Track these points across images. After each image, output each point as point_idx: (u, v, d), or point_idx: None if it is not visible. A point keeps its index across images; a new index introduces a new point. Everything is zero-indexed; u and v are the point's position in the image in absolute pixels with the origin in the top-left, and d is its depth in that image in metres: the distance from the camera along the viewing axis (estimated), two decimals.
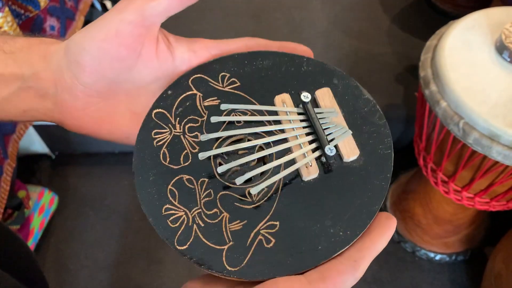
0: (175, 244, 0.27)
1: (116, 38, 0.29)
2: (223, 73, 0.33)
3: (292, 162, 0.29)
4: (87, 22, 0.99)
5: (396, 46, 1.14)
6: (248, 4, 1.26)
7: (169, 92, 0.32)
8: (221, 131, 0.31)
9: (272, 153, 0.30)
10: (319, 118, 0.31)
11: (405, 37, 1.16)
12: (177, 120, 0.31)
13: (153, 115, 0.31)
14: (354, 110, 0.32)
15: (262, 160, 0.31)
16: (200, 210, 0.28)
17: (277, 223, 0.27)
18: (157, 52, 0.31)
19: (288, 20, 1.22)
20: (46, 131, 1.06)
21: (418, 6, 1.23)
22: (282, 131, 0.31)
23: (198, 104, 0.32)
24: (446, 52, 0.65)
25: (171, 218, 0.28)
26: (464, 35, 0.67)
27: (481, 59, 0.64)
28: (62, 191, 1.08)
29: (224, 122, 0.31)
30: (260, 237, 0.27)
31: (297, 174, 0.29)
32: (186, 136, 0.31)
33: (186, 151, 0.30)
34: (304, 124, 0.31)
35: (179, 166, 0.30)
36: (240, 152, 0.31)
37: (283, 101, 0.32)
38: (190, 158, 0.30)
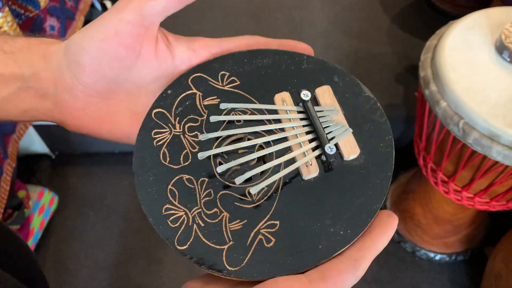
0: (175, 244, 0.27)
1: (115, 38, 0.29)
2: (222, 72, 0.33)
3: (292, 161, 0.29)
4: (87, 22, 0.98)
5: (396, 46, 1.14)
6: (248, 4, 1.26)
7: (169, 91, 0.32)
8: (221, 130, 0.31)
9: (272, 152, 0.30)
10: (319, 117, 0.30)
11: (405, 37, 1.16)
12: (177, 120, 0.31)
13: (153, 115, 0.31)
14: (355, 108, 0.31)
15: (262, 159, 0.31)
16: (200, 209, 0.28)
17: (277, 222, 0.27)
18: (156, 51, 0.31)
19: (288, 20, 1.22)
20: (46, 131, 1.06)
21: (418, 6, 1.23)
22: (282, 130, 0.31)
23: (198, 103, 0.32)
24: (446, 52, 0.65)
25: (171, 218, 0.28)
26: (464, 35, 0.67)
27: (481, 59, 0.64)
28: (62, 191, 1.08)
29: (224, 121, 0.31)
30: (260, 236, 0.27)
31: (297, 173, 0.29)
32: (186, 135, 0.31)
33: (186, 150, 0.30)
34: (304, 122, 0.31)
35: (179, 166, 0.29)
36: (240, 151, 0.31)
37: (283, 100, 0.32)
38: (190, 157, 0.30)
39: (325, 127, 0.30)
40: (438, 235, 0.95)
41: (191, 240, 0.27)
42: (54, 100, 0.32)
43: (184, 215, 0.28)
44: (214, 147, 0.30)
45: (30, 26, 0.81)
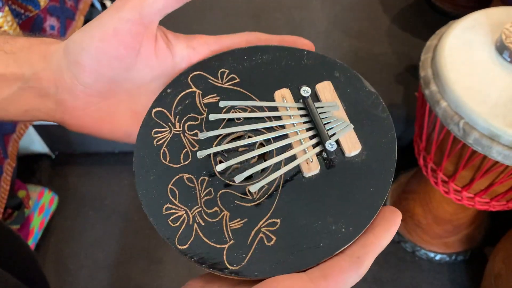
0: (176, 243, 0.27)
1: (114, 37, 0.29)
2: (222, 70, 0.32)
3: (293, 158, 0.29)
4: (87, 21, 0.98)
5: (396, 46, 1.14)
6: (248, 4, 1.26)
7: (169, 90, 0.32)
8: (221, 128, 0.30)
9: (273, 150, 0.30)
10: (320, 113, 0.30)
11: (405, 37, 1.16)
12: (177, 119, 0.31)
13: (152, 114, 0.31)
14: (356, 103, 0.31)
15: (263, 157, 0.31)
16: (200, 209, 0.28)
17: (278, 220, 0.27)
18: (156, 50, 0.31)
19: (288, 20, 1.22)
20: (46, 131, 1.06)
21: (418, 6, 1.23)
22: (283, 127, 0.30)
23: (197, 101, 0.32)
24: (446, 52, 0.65)
25: (172, 217, 0.28)
26: (464, 35, 0.67)
27: (481, 59, 0.64)
28: (62, 191, 1.08)
29: (224, 119, 0.31)
30: (261, 235, 0.27)
31: (298, 170, 0.29)
32: (186, 134, 0.30)
33: (186, 149, 0.30)
34: (304, 119, 0.30)
35: (179, 165, 0.29)
36: (240, 149, 0.30)
37: (283, 96, 0.31)
38: (190, 156, 0.30)
39: (325, 123, 0.30)
40: (438, 235, 0.95)
41: (191, 239, 0.27)
42: (54, 100, 0.31)
43: (184, 214, 0.28)
44: (214, 145, 0.30)
45: (30, 26, 0.81)
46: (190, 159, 0.30)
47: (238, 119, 0.31)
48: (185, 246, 0.27)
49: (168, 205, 0.28)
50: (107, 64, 0.30)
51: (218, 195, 0.28)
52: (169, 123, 0.31)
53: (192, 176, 0.29)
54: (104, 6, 1.10)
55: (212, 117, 0.30)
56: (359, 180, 0.28)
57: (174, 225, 0.27)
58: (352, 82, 0.32)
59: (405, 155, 0.95)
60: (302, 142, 0.29)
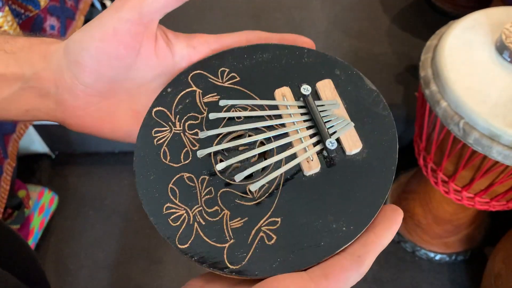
0: (176, 243, 0.27)
1: (114, 37, 0.29)
2: (222, 68, 0.32)
3: (293, 156, 0.29)
4: (87, 21, 0.98)
5: (396, 46, 1.14)
6: (248, 4, 1.26)
7: (169, 89, 0.32)
8: (221, 127, 0.30)
9: (273, 148, 0.29)
10: (320, 111, 0.30)
11: (405, 37, 1.16)
12: (177, 118, 0.31)
13: (153, 114, 0.31)
14: (357, 101, 0.31)
15: (263, 156, 0.30)
16: (201, 208, 0.28)
17: (279, 219, 0.27)
18: (156, 49, 0.31)
19: (288, 20, 1.22)
20: (46, 131, 1.06)
21: (418, 6, 1.23)
22: (283, 125, 0.30)
23: (197, 100, 0.32)
24: (447, 52, 0.65)
25: (172, 216, 0.28)
26: (464, 35, 0.67)
27: (482, 59, 0.64)
28: (62, 190, 1.08)
29: (224, 118, 0.31)
30: (261, 234, 0.27)
31: (298, 169, 0.29)
32: (186, 133, 0.30)
33: (186, 148, 0.30)
34: (305, 117, 0.30)
35: (180, 164, 0.29)
36: (240, 148, 0.30)
37: (283, 95, 0.31)
38: (191, 155, 0.30)
39: (326, 122, 0.30)
40: (438, 235, 0.95)
41: (192, 238, 0.27)
42: (55, 100, 0.31)
43: (185, 214, 0.28)
44: (214, 144, 0.30)
45: (30, 26, 0.81)
46: (190, 158, 0.30)
47: (239, 118, 0.31)
48: (186, 246, 0.27)
49: (168, 204, 0.28)
50: (107, 63, 0.30)
51: (218, 194, 0.28)
52: (170, 123, 0.31)
53: (193, 175, 0.29)
54: (104, 6, 1.10)
55: (212, 116, 0.30)
56: (360, 178, 0.28)
57: (174, 225, 0.27)
58: (353, 80, 0.32)
59: (405, 155, 0.95)
60: (303, 141, 0.29)
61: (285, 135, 0.30)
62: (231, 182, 0.29)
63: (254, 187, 0.27)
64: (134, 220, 1.06)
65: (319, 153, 0.29)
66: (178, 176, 0.29)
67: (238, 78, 0.32)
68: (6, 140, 0.83)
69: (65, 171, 1.13)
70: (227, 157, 0.30)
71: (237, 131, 0.30)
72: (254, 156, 0.30)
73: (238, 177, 0.27)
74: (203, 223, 0.27)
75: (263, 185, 0.28)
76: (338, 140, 0.29)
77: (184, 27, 1.17)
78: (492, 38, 0.66)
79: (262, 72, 0.32)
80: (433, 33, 0.72)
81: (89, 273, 0.99)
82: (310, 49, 0.33)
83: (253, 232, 0.27)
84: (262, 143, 0.30)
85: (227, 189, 0.28)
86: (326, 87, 0.31)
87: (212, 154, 0.30)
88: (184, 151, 0.30)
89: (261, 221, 0.27)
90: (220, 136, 0.30)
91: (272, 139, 0.30)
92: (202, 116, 0.31)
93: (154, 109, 0.31)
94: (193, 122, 0.31)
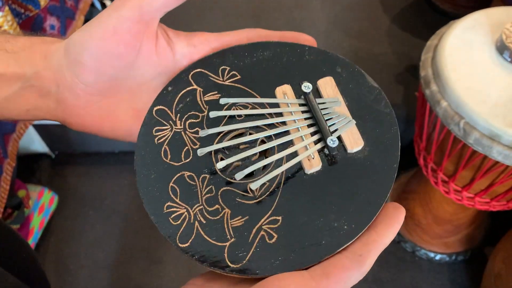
0: (177, 241, 0.27)
1: (115, 36, 0.29)
2: (223, 67, 0.32)
3: (294, 155, 0.29)
4: (87, 21, 0.98)
5: (396, 46, 1.14)
6: (248, 4, 1.26)
7: (170, 88, 0.32)
8: (222, 126, 0.30)
9: (274, 147, 0.29)
10: (321, 109, 0.30)
11: (405, 37, 1.16)
12: (178, 117, 0.31)
13: (153, 112, 0.31)
14: (359, 99, 0.31)
15: (264, 154, 0.30)
16: (201, 206, 0.28)
17: (280, 218, 0.27)
18: (156, 48, 0.31)
19: (288, 20, 1.22)
20: (46, 131, 1.06)
21: (418, 6, 1.23)
22: (284, 123, 0.30)
23: (198, 99, 0.31)
24: (447, 52, 0.65)
25: (173, 215, 0.28)
26: (464, 35, 0.67)
27: (482, 59, 0.64)
28: (62, 190, 1.08)
29: (225, 116, 0.31)
30: (262, 232, 0.27)
31: (299, 167, 0.29)
32: (187, 132, 0.30)
33: (187, 147, 0.30)
34: (306, 115, 0.30)
35: (180, 163, 0.29)
36: (241, 146, 0.30)
37: (284, 93, 0.31)
38: (191, 154, 0.30)
39: (327, 119, 0.30)
40: (438, 235, 0.95)
41: (192, 237, 0.27)
42: (55, 99, 0.31)
43: (185, 213, 0.28)
44: (215, 143, 0.30)
45: (30, 26, 0.81)
46: (191, 157, 0.29)
47: (239, 116, 0.31)
48: (186, 245, 0.27)
49: (169, 203, 0.28)
50: (107, 62, 0.30)
51: (219, 193, 0.28)
52: (170, 121, 0.31)
53: (193, 174, 0.29)
54: (104, 6, 1.10)
55: (213, 114, 0.30)
56: (362, 176, 0.28)
57: (175, 223, 0.27)
58: (355, 77, 0.32)
59: (405, 155, 0.94)
60: (304, 139, 0.29)
61: (286, 133, 0.30)
62: (232, 180, 0.29)
63: (254, 185, 0.27)
64: (134, 220, 1.06)
65: (320, 151, 0.29)
66: (178, 174, 0.29)
67: (238, 76, 0.32)
68: (6, 139, 0.83)
69: (65, 171, 1.13)
70: (227, 156, 0.29)
71: (238, 129, 0.30)
72: (255, 154, 0.30)
73: (239, 176, 0.27)
74: (204, 222, 0.27)
75: (264, 184, 0.28)
76: (339, 138, 0.29)
77: (184, 27, 1.17)
78: (492, 38, 0.66)
79: (263, 70, 0.32)
80: (433, 33, 0.72)
81: (89, 273, 0.99)
82: (311, 47, 0.33)
83: (254, 230, 0.27)
84: (263, 141, 0.30)
85: (228, 187, 0.28)
86: (327, 84, 0.31)
87: (212, 152, 0.30)
88: (184, 149, 0.30)
89: (262, 220, 0.27)
90: (221, 134, 0.30)
91: (273, 137, 0.30)
92: (203, 114, 0.31)
93: (155, 108, 0.31)
94: (194, 120, 0.31)
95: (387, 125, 0.30)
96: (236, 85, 0.32)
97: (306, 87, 0.30)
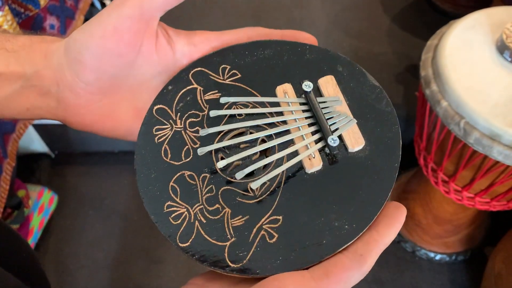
0: (177, 241, 0.27)
1: (115, 34, 0.29)
2: (223, 65, 0.32)
3: (295, 154, 0.29)
4: (86, 21, 0.98)
5: (396, 45, 1.14)
6: (248, 4, 1.26)
7: (170, 87, 0.32)
8: (222, 125, 0.30)
9: (274, 146, 0.29)
10: (322, 108, 0.30)
11: (405, 37, 1.16)
12: (178, 116, 0.31)
13: (154, 111, 0.31)
14: (360, 98, 0.31)
15: (265, 154, 0.30)
16: (202, 206, 0.28)
17: (280, 217, 0.27)
18: (157, 47, 0.31)
19: (288, 20, 1.22)
20: (45, 130, 1.06)
21: (418, 5, 1.23)
22: (284, 122, 0.30)
23: (198, 98, 0.31)
24: (447, 51, 0.65)
25: (173, 215, 0.27)
26: (465, 35, 0.67)
27: (482, 59, 0.64)
28: (62, 190, 1.08)
29: (225, 115, 0.31)
30: (263, 232, 0.27)
31: (300, 166, 0.28)
32: (187, 131, 0.30)
33: (187, 146, 0.30)
34: (306, 114, 0.30)
35: (181, 162, 0.29)
36: (241, 145, 0.30)
37: (284, 92, 0.31)
38: (192, 153, 0.29)
39: (328, 118, 0.29)
40: (438, 235, 0.95)
41: (193, 237, 0.27)
42: (56, 98, 0.31)
43: (186, 212, 0.28)
44: (215, 142, 0.30)
45: (30, 25, 0.81)
46: (191, 156, 0.29)
47: (240, 115, 0.31)
48: (187, 244, 0.27)
49: (169, 202, 0.28)
50: (108, 61, 0.30)
51: (219, 192, 0.28)
52: (170, 120, 0.31)
53: (194, 173, 0.29)
54: (104, 5, 1.10)
55: (213, 113, 0.30)
56: (363, 176, 0.28)
57: (175, 223, 0.27)
58: (356, 76, 0.31)
59: (405, 155, 0.94)
60: (304, 138, 0.29)
61: (287, 132, 0.30)
62: (232, 180, 0.28)
63: (255, 184, 0.27)
64: (133, 220, 1.06)
65: (321, 150, 0.29)
66: (179, 174, 0.29)
67: (239, 75, 0.32)
68: (6, 139, 0.83)
69: (65, 171, 1.13)
70: (228, 155, 0.29)
71: (238, 128, 0.30)
72: (255, 153, 0.29)
73: (239, 175, 0.27)
74: (204, 222, 0.27)
75: (265, 183, 0.28)
76: (340, 137, 0.29)
77: (184, 27, 1.16)
78: (492, 38, 0.66)
79: (264, 68, 0.32)
80: (433, 33, 0.72)
81: (89, 272, 0.99)
82: (312, 45, 0.33)
83: (255, 230, 0.27)
84: (263, 141, 0.30)
85: (228, 187, 0.28)
86: (328, 83, 0.31)
87: (213, 152, 0.30)
88: (185, 149, 0.30)
89: (263, 219, 0.27)
90: (221, 133, 0.30)
91: (274, 137, 0.30)
92: (203, 113, 0.31)
93: (155, 107, 0.31)
94: (194, 119, 0.31)
95: (388, 124, 0.29)
96: (236, 84, 0.32)
97: (307, 86, 0.30)
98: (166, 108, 0.31)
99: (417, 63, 0.70)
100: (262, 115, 0.30)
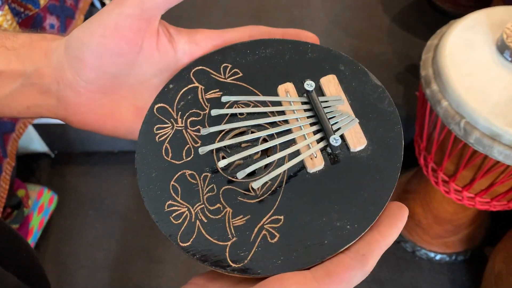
0: (178, 241, 0.27)
1: (116, 33, 0.29)
2: (225, 64, 0.32)
3: (297, 153, 0.28)
4: None
5: (396, 45, 1.14)
6: (248, 3, 1.26)
7: (171, 86, 0.32)
8: (223, 124, 0.30)
9: (276, 145, 0.29)
10: (324, 107, 0.30)
11: (405, 37, 1.16)
12: (179, 114, 0.31)
13: (155, 110, 0.31)
14: (362, 97, 0.30)
15: (266, 153, 0.30)
16: (203, 205, 0.28)
17: (282, 217, 0.27)
18: (158, 45, 0.31)
19: (288, 20, 1.22)
20: (45, 130, 1.06)
21: (418, 5, 1.23)
22: (286, 121, 0.30)
23: (200, 97, 0.31)
24: (447, 51, 0.65)
25: (174, 214, 0.27)
26: (465, 35, 0.67)
27: (482, 59, 0.64)
28: (62, 190, 1.08)
29: (227, 114, 0.30)
30: (264, 232, 0.26)
31: (302, 166, 0.28)
32: (188, 130, 0.30)
33: (188, 145, 0.30)
34: (308, 113, 0.30)
35: (182, 161, 0.29)
36: (243, 145, 0.30)
37: (286, 91, 0.31)
38: (193, 152, 0.29)
39: (330, 118, 0.29)
40: (438, 235, 0.95)
41: (194, 236, 0.27)
42: (57, 97, 0.31)
43: (186, 211, 0.27)
44: (216, 141, 0.30)
45: (30, 25, 0.81)
46: (192, 155, 0.29)
47: (241, 114, 0.30)
48: (188, 244, 0.26)
49: (170, 202, 0.28)
50: (108, 60, 0.29)
51: (220, 192, 0.28)
52: (171, 119, 0.31)
53: (195, 173, 0.29)
54: (103, 5, 1.10)
55: (215, 112, 0.30)
56: (365, 175, 0.28)
57: (176, 222, 0.27)
58: (358, 75, 0.31)
59: (405, 155, 0.94)
60: (306, 137, 0.29)
61: (288, 131, 0.29)
62: (234, 179, 0.28)
63: (257, 184, 0.27)
64: (133, 220, 1.05)
65: (323, 150, 0.29)
66: (180, 173, 0.29)
67: (240, 74, 0.32)
68: (6, 139, 0.83)
69: (65, 171, 1.13)
70: (229, 154, 0.29)
71: (239, 127, 0.30)
72: (256, 153, 0.29)
73: (241, 175, 0.27)
74: (205, 221, 0.27)
75: (266, 183, 0.28)
76: (342, 136, 0.29)
77: (184, 27, 1.17)
78: (493, 37, 0.66)
79: (265, 67, 0.32)
80: (433, 33, 0.72)
81: (89, 272, 0.99)
82: (314, 44, 0.33)
83: (256, 230, 0.27)
84: (265, 140, 0.30)
85: (230, 186, 0.28)
86: (330, 82, 0.31)
87: (214, 151, 0.29)
88: (186, 148, 0.30)
89: (264, 219, 0.27)
90: (223, 132, 0.30)
91: (275, 136, 0.29)
92: (204, 112, 0.31)
93: (156, 106, 0.31)
94: (195, 118, 0.30)
95: (390, 124, 0.29)
96: (238, 83, 0.31)
97: (309, 85, 0.30)
98: (167, 106, 0.31)
99: (417, 63, 0.70)
100: (264, 114, 0.30)
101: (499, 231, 0.92)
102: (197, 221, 0.27)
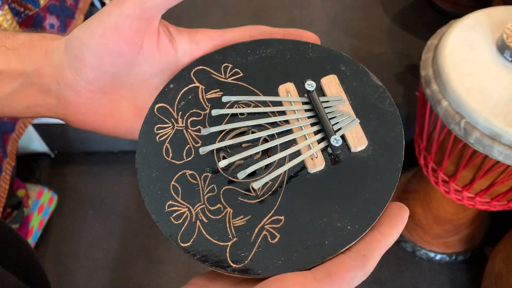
0: (179, 241, 0.27)
1: (116, 33, 0.29)
2: (225, 64, 0.32)
3: (297, 154, 0.28)
4: None
5: (396, 45, 1.14)
6: (248, 3, 1.26)
7: (171, 85, 0.32)
8: (224, 124, 0.30)
9: (277, 145, 0.29)
10: (325, 107, 0.29)
11: (405, 37, 1.16)
12: (180, 114, 0.31)
13: (155, 110, 0.31)
14: (363, 97, 0.30)
15: (267, 153, 0.30)
16: (203, 205, 0.28)
17: (282, 217, 0.27)
18: (158, 45, 0.31)
19: (288, 19, 1.22)
20: (45, 130, 1.06)
21: (418, 5, 1.23)
22: (287, 122, 0.30)
23: (200, 97, 0.31)
24: (447, 51, 0.65)
25: (174, 214, 0.27)
26: (465, 35, 0.67)
27: (482, 59, 0.64)
28: (62, 190, 1.08)
29: (227, 114, 0.30)
30: (264, 232, 0.26)
31: (302, 166, 0.28)
32: (189, 130, 0.30)
33: (188, 145, 0.30)
34: (309, 114, 0.30)
35: (182, 161, 0.29)
36: (243, 145, 0.30)
37: (287, 91, 0.31)
38: (193, 152, 0.29)
39: (331, 118, 0.29)
40: (438, 235, 0.95)
41: (194, 236, 0.27)
42: (56, 96, 0.31)
43: (187, 211, 0.27)
44: (217, 141, 0.30)
45: (30, 25, 0.81)
46: (193, 155, 0.29)
47: (242, 114, 0.30)
48: (188, 244, 0.26)
49: (170, 202, 0.28)
50: (108, 59, 0.29)
51: (221, 192, 0.28)
52: (172, 119, 0.30)
53: (195, 173, 0.29)
54: (103, 5, 1.10)
55: (215, 112, 0.30)
56: (366, 176, 0.28)
57: (176, 222, 0.27)
58: (359, 75, 0.31)
59: (405, 155, 0.94)
60: (307, 138, 0.29)
61: (289, 132, 0.29)
62: (234, 179, 0.28)
63: (257, 184, 0.27)
64: (133, 220, 1.05)
65: (323, 150, 0.29)
66: (180, 173, 0.29)
67: (241, 74, 0.32)
68: (6, 139, 0.83)
69: (65, 170, 1.13)
70: (230, 154, 0.29)
71: (240, 127, 0.30)
72: (257, 153, 0.29)
73: (241, 175, 0.27)
74: (206, 221, 0.27)
75: (267, 183, 0.28)
76: (343, 137, 0.29)
77: (184, 27, 1.17)
78: (493, 37, 0.66)
79: (266, 67, 0.32)
80: (433, 33, 0.72)
81: (89, 272, 0.99)
82: (314, 44, 0.32)
83: (256, 230, 0.27)
84: (265, 140, 0.30)
85: (230, 186, 0.28)
86: (331, 82, 0.31)
87: (214, 151, 0.29)
88: (186, 148, 0.30)
89: (265, 219, 0.27)
90: (223, 132, 0.30)
91: (276, 136, 0.29)
92: (205, 112, 0.31)
93: (157, 106, 0.31)
94: (196, 118, 0.30)
95: (391, 124, 0.29)
96: (238, 82, 0.31)
97: (310, 85, 0.30)
98: (168, 106, 0.31)
99: (417, 63, 0.70)
100: (264, 115, 0.30)
101: (499, 231, 0.92)
102: (198, 221, 0.27)
